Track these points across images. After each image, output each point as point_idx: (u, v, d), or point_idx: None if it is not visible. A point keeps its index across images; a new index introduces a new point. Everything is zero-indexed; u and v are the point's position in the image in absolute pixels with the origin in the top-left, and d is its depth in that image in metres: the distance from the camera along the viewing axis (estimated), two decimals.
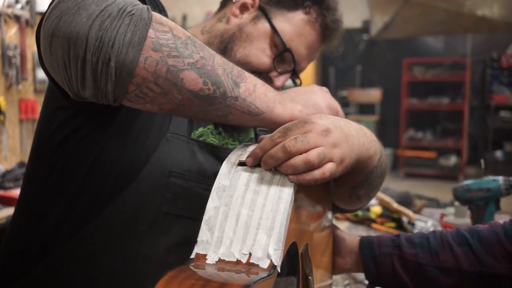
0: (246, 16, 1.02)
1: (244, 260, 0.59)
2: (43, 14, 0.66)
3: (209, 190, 0.83)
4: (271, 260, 0.59)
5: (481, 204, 1.48)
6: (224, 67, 0.69)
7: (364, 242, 0.91)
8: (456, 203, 1.72)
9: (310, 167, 0.64)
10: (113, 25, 0.61)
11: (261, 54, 0.99)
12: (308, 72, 7.05)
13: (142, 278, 0.83)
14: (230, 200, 0.64)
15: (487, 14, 5.43)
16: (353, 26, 7.54)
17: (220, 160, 0.78)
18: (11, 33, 2.91)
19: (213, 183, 0.82)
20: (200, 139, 0.93)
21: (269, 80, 0.99)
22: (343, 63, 7.98)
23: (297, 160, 0.64)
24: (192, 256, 0.61)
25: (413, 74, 7.85)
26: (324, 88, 0.89)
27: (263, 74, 0.99)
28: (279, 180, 0.64)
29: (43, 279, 0.85)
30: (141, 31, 0.63)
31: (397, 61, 7.81)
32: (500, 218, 1.81)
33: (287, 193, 0.63)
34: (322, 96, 0.85)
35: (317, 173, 0.64)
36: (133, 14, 0.63)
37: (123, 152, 0.84)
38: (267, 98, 0.74)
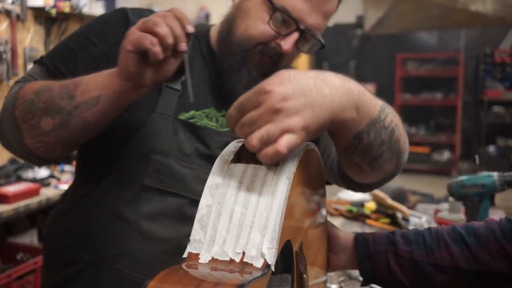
0: None
1: (237, 259, 0.58)
2: None
3: (187, 168, 0.96)
4: (265, 259, 0.58)
5: (475, 200, 1.47)
6: (59, 92, 0.87)
7: (359, 239, 0.90)
8: (451, 198, 1.72)
9: (256, 150, 0.63)
10: (3, 127, 0.93)
11: (259, 23, 0.99)
12: (302, 67, 7.05)
13: (119, 239, 0.95)
14: (223, 198, 0.62)
15: (480, 9, 5.44)
16: (346, 21, 7.53)
17: (201, 140, 0.97)
18: (2, 28, 2.88)
19: (191, 160, 0.94)
20: (190, 121, 0.98)
21: (278, 48, 0.99)
22: (337, 59, 7.97)
23: (246, 145, 0.65)
24: (185, 255, 0.60)
25: (407, 69, 7.87)
26: None
27: (272, 44, 0.99)
28: (273, 178, 0.63)
29: (67, 224, 1.04)
30: (12, 117, 0.91)
31: (390, 57, 7.82)
32: (495, 214, 1.81)
33: (281, 190, 0.62)
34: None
35: (269, 151, 0.63)
36: (6, 108, 0.93)
37: (111, 124, 0.93)
38: (98, 82, 0.86)
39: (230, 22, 1.03)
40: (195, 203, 0.94)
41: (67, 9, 3.15)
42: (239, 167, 0.66)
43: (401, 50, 7.84)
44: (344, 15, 7.42)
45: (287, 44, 0.99)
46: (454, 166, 7.55)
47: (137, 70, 0.80)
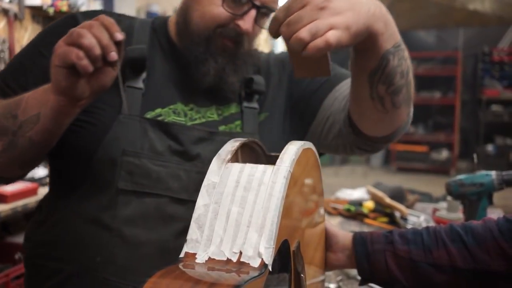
0: None
1: (234, 259, 0.58)
2: None
3: (161, 166, 0.95)
4: (262, 259, 0.58)
5: (474, 199, 1.47)
6: (4, 112, 0.86)
7: (357, 239, 0.90)
8: (449, 197, 1.71)
9: (304, 43, 0.68)
10: None
11: (213, 8, 0.96)
12: None
13: (101, 247, 0.92)
14: (220, 198, 0.62)
15: (478, 8, 5.44)
16: None
17: (172, 136, 0.95)
18: None
19: (164, 158, 0.94)
20: (158, 118, 0.96)
21: (238, 29, 0.96)
22: (335, 58, 7.92)
23: (293, 40, 0.69)
24: (182, 255, 0.60)
25: None
26: None
27: (231, 25, 0.96)
28: (270, 177, 0.63)
29: (45, 235, 1.00)
30: None
31: None
32: (493, 213, 1.81)
33: (278, 189, 0.62)
34: None
35: (319, 41, 0.68)
36: None
37: (77, 132, 0.93)
38: (36, 99, 0.84)
39: (185, 13, 1.01)
40: (174, 200, 0.94)
41: (64, 8, 3.14)
42: (236, 166, 0.65)
43: None
44: None
45: (245, 23, 0.96)
46: (453, 165, 7.56)
47: (68, 85, 0.77)
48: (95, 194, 0.94)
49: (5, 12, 2.90)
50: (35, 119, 0.84)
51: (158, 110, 0.98)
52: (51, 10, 3.08)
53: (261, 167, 0.65)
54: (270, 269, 0.58)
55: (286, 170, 0.64)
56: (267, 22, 1.02)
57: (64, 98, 0.80)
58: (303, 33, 0.68)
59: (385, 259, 0.86)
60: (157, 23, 1.07)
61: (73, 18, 1.00)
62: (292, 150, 0.68)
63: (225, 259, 0.58)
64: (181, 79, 1.02)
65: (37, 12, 3.11)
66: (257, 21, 0.99)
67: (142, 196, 0.93)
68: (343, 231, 0.95)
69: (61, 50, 0.76)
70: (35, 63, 0.97)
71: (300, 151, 0.69)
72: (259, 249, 0.58)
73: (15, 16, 2.96)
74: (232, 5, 0.96)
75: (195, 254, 0.60)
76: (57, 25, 1.03)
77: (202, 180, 0.95)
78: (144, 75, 0.98)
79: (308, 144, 0.76)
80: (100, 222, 0.93)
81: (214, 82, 1.00)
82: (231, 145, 0.71)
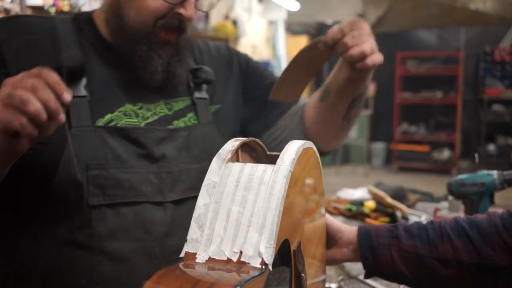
0: None
1: (234, 259, 0.58)
2: None
3: (131, 173, 0.91)
4: (262, 259, 0.57)
5: (475, 199, 1.47)
6: None
7: (362, 233, 0.90)
8: (450, 197, 1.71)
9: (365, 55, 0.89)
10: None
11: (149, 2, 0.92)
12: None
13: (84, 269, 0.87)
14: (220, 197, 0.62)
15: (480, 8, 5.43)
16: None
17: (133, 141, 0.91)
18: None
19: (131, 164, 0.91)
20: (110, 125, 0.92)
21: (180, 17, 0.94)
22: (336, 57, 7.94)
23: (354, 51, 0.89)
24: (182, 255, 0.60)
25: (407, 68, 7.87)
26: None
27: (171, 15, 0.93)
28: (271, 176, 0.63)
29: (11, 267, 0.92)
30: None
31: (390, 55, 7.81)
32: None
33: (278, 189, 0.61)
34: None
35: (376, 57, 0.91)
36: None
37: (31, 155, 0.82)
38: None
39: (116, 10, 0.95)
40: (151, 205, 0.92)
41: (66, 8, 3.14)
42: (237, 166, 0.65)
43: (401, 48, 7.84)
44: (344, 13, 7.40)
45: (188, 10, 0.94)
46: (454, 164, 7.55)
47: (10, 147, 0.71)
48: (63, 215, 0.88)
49: (7, 12, 2.90)
50: None
51: (108, 116, 0.93)
52: (52, 10, 3.08)
53: (261, 166, 0.65)
54: (271, 269, 0.58)
55: (286, 170, 0.64)
56: (206, 5, 1.03)
57: (5, 153, 0.74)
58: (367, 47, 0.89)
59: (390, 253, 0.86)
60: (81, 21, 1.00)
61: None
62: (292, 149, 0.68)
63: (225, 258, 0.58)
64: (123, 79, 0.97)
65: (38, 12, 3.12)
66: (196, 6, 0.97)
67: (117, 207, 0.90)
68: (347, 225, 0.95)
69: (1, 117, 0.68)
70: None
71: (301, 151, 0.69)
72: (259, 248, 0.58)
73: None
74: None
75: (195, 254, 0.59)
76: None
77: (174, 180, 0.96)
78: (84, 81, 0.92)
79: (309, 144, 0.76)
80: (76, 243, 0.88)
81: (163, 79, 0.97)
82: (231, 145, 0.71)
